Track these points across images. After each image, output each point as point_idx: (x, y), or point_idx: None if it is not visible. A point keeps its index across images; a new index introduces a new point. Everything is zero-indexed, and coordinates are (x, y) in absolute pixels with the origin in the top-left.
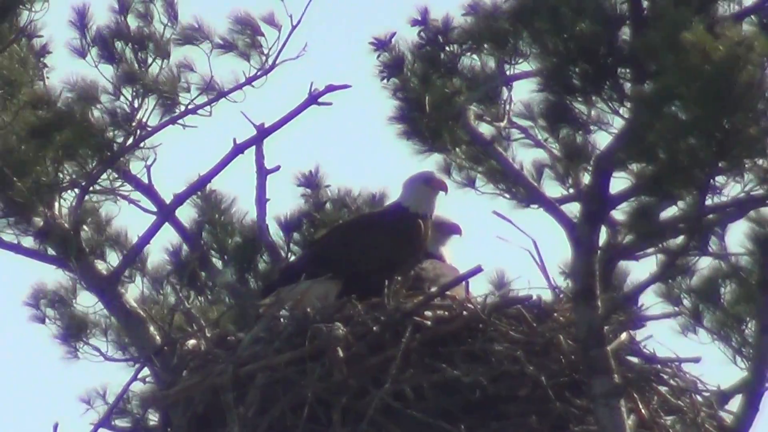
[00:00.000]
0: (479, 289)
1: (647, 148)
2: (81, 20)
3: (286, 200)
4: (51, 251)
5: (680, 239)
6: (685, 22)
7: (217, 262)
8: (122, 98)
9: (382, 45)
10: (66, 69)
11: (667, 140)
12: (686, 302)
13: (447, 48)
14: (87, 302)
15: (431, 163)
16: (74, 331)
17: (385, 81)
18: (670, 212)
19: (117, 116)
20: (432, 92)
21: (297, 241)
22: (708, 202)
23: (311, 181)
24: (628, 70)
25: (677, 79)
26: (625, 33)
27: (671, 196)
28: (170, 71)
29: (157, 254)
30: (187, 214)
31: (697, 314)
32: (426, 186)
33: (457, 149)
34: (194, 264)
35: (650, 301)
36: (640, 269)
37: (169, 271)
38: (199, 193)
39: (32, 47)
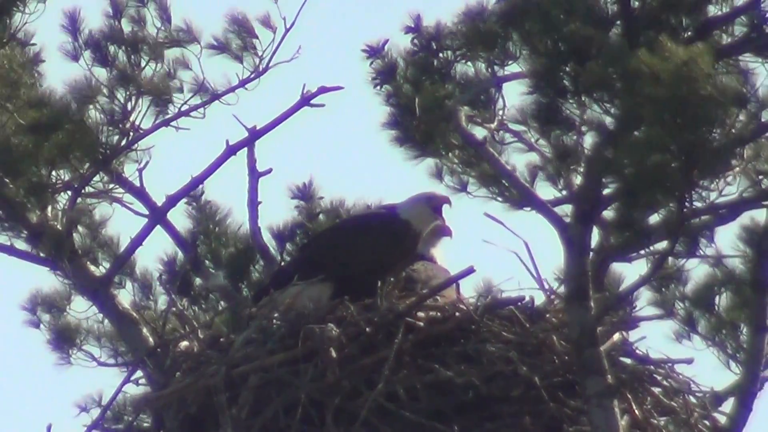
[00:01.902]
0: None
1: (617, 170)
2: (73, 24)
3: (278, 205)
4: (43, 254)
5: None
6: (627, 52)
7: (211, 271)
8: (116, 101)
9: (374, 52)
10: (60, 72)
11: (634, 164)
12: (680, 310)
13: (440, 54)
14: (80, 308)
15: (424, 167)
16: (66, 337)
17: (378, 88)
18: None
19: (112, 117)
20: (423, 96)
21: (290, 252)
22: (698, 204)
23: (304, 193)
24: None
25: (632, 105)
26: (616, 34)
27: (650, 206)
28: (165, 70)
29: (148, 257)
30: (181, 223)
31: (690, 321)
32: (426, 206)
33: (450, 154)
34: (187, 270)
35: (643, 307)
36: (632, 271)
37: (159, 275)
38: (194, 204)
39: (27, 50)
